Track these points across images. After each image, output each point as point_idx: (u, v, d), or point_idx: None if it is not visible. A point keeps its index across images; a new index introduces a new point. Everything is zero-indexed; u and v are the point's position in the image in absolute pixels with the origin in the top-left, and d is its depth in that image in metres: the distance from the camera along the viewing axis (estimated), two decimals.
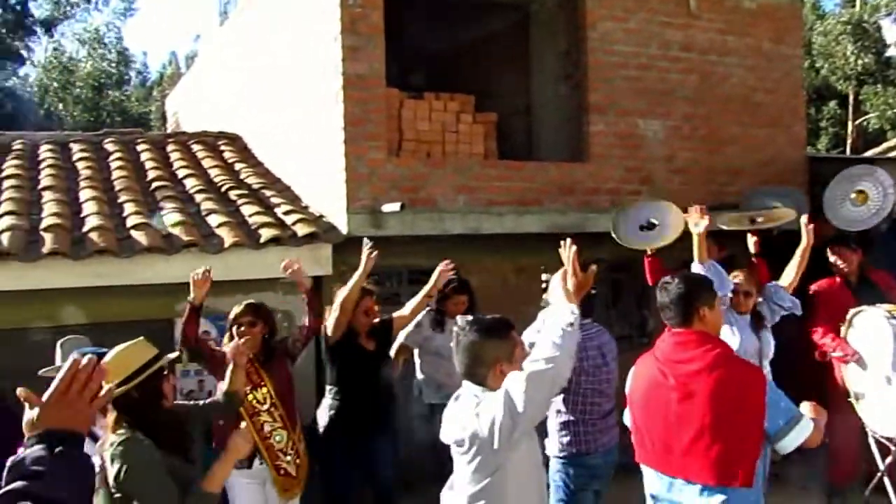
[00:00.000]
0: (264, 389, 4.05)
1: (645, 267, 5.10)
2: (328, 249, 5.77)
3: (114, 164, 7.10)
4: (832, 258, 5.63)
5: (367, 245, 4.34)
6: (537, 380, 2.50)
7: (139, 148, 7.74)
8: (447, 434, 2.67)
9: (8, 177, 6.42)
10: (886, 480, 5.12)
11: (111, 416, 2.87)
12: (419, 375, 5.18)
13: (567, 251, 3.04)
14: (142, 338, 2.96)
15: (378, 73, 5.76)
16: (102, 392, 1.62)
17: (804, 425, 2.62)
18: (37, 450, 1.49)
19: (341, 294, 4.36)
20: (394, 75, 6.10)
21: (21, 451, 1.55)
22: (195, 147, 7.97)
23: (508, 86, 7.71)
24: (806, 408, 2.76)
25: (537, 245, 6.43)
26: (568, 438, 3.83)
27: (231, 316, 4.16)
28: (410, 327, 4.97)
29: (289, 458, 4.07)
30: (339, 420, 4.46)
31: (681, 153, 7.01)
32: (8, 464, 1.48)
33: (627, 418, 3.08)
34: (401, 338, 5.00)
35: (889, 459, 5.10)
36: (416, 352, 5.29)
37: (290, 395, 4.28)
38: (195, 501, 2.74)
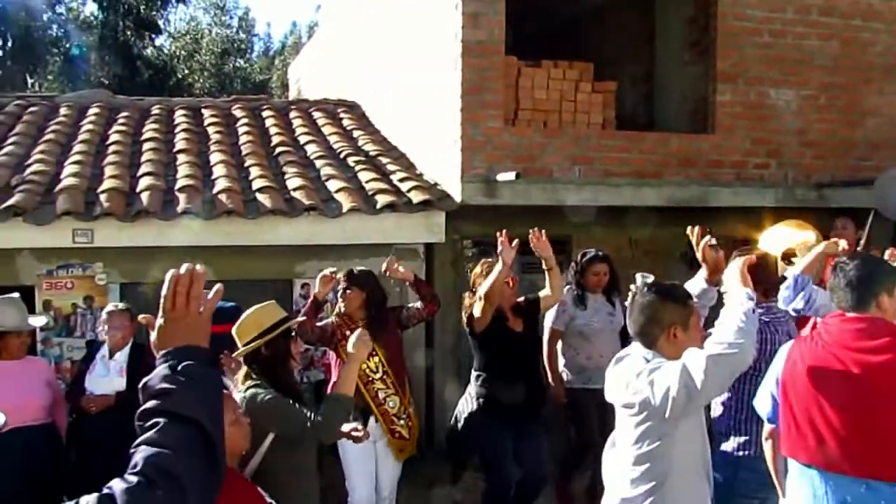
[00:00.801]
0: (376, 358, 4.19)
1: None
2: (441, 217, 5.83)
3: (241, 130, 7.43)
4: None
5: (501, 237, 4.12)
6: (721, 363, 2.43)
7: (264, 114, 8.06)
8: (613, 395, 2.68)
9: (147, 139, 6.86)
10: None
11: (241, 372, 3.03)
12: (560, 359, 4.94)
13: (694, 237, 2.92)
14: (273, 301, 3.08)
15: (497, 40, 5.71)
16: (210, 294, 1.59)
17: None
18: (162, 369, 1.49)
19: (485, 286, 4.16)
20: (512, 42, 6.02)
21: None
22: (316, 114, 8.21)
23: (629, 53, 7.45)
24: None
25: (650, 218, 6.27)
26: (744, 438, 3.38)
27: None
28: (555, 309, 4.76)
29: (402, 421, 4.27)
30: (488, 408, 4.29)
31: (815, 125, 6.58)
32: (140, 386, 1.50)
33: (765, 407, 2.85)
34: (549, 322, 4.83)
35: None
36: None
37: (400, 361, 4.41)
38: (331, 405, 2.89)
